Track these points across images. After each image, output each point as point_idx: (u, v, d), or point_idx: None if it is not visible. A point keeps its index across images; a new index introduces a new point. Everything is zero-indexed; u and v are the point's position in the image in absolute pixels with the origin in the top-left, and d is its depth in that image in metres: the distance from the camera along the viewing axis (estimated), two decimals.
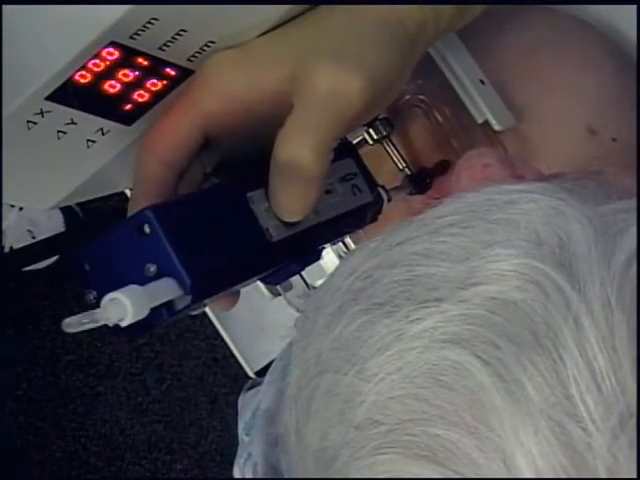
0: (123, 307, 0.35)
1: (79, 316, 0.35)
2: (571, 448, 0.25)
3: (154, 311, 0.36)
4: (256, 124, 0.42)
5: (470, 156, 0.36)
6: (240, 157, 0.45)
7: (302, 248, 0.44)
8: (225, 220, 0.40)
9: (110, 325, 0.36)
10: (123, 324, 0.35)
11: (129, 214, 0.40)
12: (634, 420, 0.25)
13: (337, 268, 0.33)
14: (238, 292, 0.46)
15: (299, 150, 0.40)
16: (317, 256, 0.47)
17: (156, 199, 0.40)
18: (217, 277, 0.39)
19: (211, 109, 0.41)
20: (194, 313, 0.43)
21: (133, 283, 0.36)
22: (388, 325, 0.29)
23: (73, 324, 0.34)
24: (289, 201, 0.41)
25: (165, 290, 0.37)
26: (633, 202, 0.30)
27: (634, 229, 0.28)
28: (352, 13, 0.41)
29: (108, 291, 0.36)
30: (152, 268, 0.37)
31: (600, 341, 0.26)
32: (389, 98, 0.43)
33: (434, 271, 0.29)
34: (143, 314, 0.35)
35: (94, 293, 0.38)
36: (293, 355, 0.32)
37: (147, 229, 0.37)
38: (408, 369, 0.27)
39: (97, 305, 0.37)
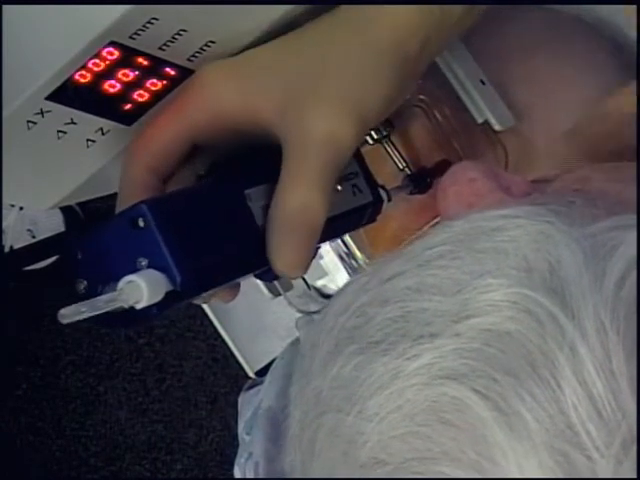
0: (139, 289, 0.35)
1: (76, 305, 0.34)
2: (576, 477, 0.25)
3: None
4: (245, 136, 0.42)
5: (454, 171, 0.35)
6: (233, 158, 0.45)
7: None
8: (221, 216, 0.40)
9: (114, 310, 0.35)
10: (138, 306, 0.35)
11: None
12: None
13: (330, 304, 0.33)
14: (238, 285, 0.46)
15: (309, 198, 0.39)
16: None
17: None
18: (209, 274, 0.39)
19: (199, 122, 0.41)
20: (195, 302, 0.43)
21: (124, 275, 0.36)
22: (385, 363, 0.28)
23: (68, 314, 0.34)
24: (296, 254, 0.40)
25: None
26: (620, 219, 0.29)
27: (623, 248, 0.28)
28: (353, 38, 0.41)
29: (99, 282, 0.36)
30: (144, 262, 0.36)
31: (597, 366, 0.26)
32: (384, 117, 0.43)
33: (427, 306, 0.29)
34: (158, 297, 0.35)
35: (84, 283, 0.38)
36: (293, 394, 0.32)
37: (141, 222, 0.37)
38: (408, 407, 0.27)
39: (87, 295, 0.37)
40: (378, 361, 0.29)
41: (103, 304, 0.35)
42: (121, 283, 0.35)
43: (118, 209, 0.41)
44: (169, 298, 0.36)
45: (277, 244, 0.39)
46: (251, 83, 0.41)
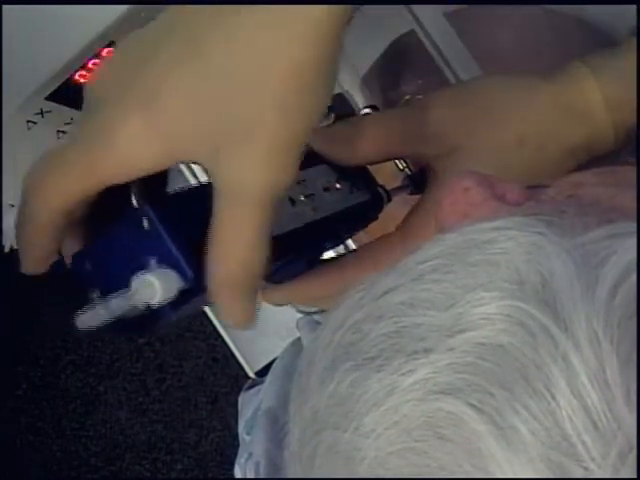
0: (152, 287, 0.35)
1: (93, 310, 0.34)
2: None
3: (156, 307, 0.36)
4: None
5: (449, 182, 0.35)
6: None
7: (300, 245, 0.44)
8: None
9: (140, 306, 0.36)
10: (153, 302, 0.35)
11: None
12: (634, 453, 0.25)
13: (326, 321, 0.33)
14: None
15: (249, 256, 0.37)
16: (319, 254, 0.47)
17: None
18: None
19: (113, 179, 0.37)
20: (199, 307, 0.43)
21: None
22: (380, 379, 0.29)
23: (87, 320, 0.34)
24: (245, 311, 0.39)
25: None
26: (613, 227, 0.29)
27: (615, 258, 0.28)
28: (271, 65, 0.35)
29: (111, 288, 0.37)
30: (153, 262, 0.37)
31: (591, 377, 0.26)
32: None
33: (421, 321, 0.29)
34: (172, 293, 0.36)
35: (97, 292, 0.38)
36: (291, 412, 0.32)
37: (146, 224, 0.37)
38: (404, 423, 0.27)
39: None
40: (373, 377, 0.29)
41: (119, 305, 0.35)
42: (134, 283, 0.36)
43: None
44: (181, 295, 0.37)
45: (225, 305, 0.38)
46: (174, 126, 0.36)
